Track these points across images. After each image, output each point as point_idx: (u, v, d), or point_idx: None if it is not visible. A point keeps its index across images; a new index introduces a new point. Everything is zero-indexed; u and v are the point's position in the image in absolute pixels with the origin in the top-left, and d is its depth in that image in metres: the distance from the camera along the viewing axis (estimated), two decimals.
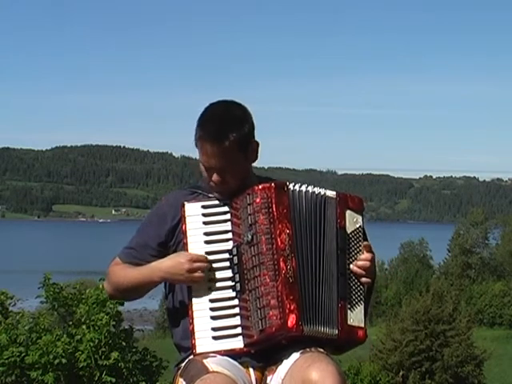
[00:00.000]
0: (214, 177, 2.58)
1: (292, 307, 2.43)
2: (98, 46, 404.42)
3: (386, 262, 54.90)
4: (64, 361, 6.35)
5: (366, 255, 2.64)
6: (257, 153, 2.65)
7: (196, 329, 2.51)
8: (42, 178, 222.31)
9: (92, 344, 6.51)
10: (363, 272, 2.61)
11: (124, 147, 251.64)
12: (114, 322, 6.77)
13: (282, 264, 2.45)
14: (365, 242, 2.66)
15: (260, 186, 2.52)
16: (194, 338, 2.51)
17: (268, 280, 2.45)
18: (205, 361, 2.46)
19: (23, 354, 6.40)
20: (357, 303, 2.61)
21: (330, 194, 2.63)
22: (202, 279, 2.52)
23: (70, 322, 6.84)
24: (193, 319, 2.52)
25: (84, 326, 6.64)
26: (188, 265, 2.50)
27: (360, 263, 2.62)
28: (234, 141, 2.55)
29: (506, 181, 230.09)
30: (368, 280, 2.63)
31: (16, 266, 68.71)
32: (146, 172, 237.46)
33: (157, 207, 2.74)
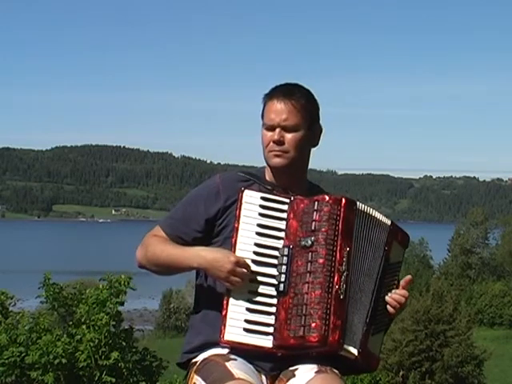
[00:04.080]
0: (276, 134, 2.55)
1: (337, 323, 2.42)
2: (98, 46, 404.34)
3: None
4: (64, 361, 6.35)
5: (404, 292, 2.64)
6: (319, 137, 2.65)
7: (229, 316, 2.45)
8: (42, 178, 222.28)
9: (92, 344, 6.50)
10: (397, 305, 2.61)
11: (124, 147, 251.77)
12: (114, 322, 6.76)
13: (336, 279, 2.44)
14: (408, 276, 2.67)
15: (332, 197, 2.50)
16: (225, 325, 2.44)
17: (320, 291, 2.42)
18: (227, 364, 2.40)
19: (23, 354, 6.39)
20: (379, 331, 2.62)
21: (386, 220, 2.62)
22: (238, 284, 2.45)
23: (70, 322, 6.83)
24: (228, 305, 2.46)
25: (84, 326, 6.63)
26: (232, 266, 2.43)
27: (397, 297, 2.61)
28: (302, 101, 2.56)
29: (506, 181, 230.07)
30: (395, 313, 2.63)
31: (16, 265, 68.71)
32: (146, 172, 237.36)
33: (210, 184, 2.64)
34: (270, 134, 2.57)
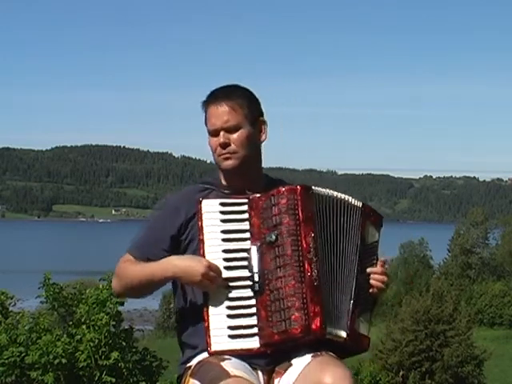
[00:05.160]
0: (221, 138, 2.56)
1: (316, 310, 2.43)
2: (98, 46, 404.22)
3: (386, 262, 54.84)
4: (64, 361, 6.34)
5: (383, 269, 2.67)
6: (265, 130, 2.65)
7: (212, 326, 2.47)
8: (42, 178, 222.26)
9: (92, 344, 6.50)
10: (380, 285, 2.65)
11: (124, 147, 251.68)
12: (114, 322, 6.75)
13: (307, 266, 2.45)
14: (382, 257, 2.70)
15: (286, 188, 2.51)
16: (210, 336, 2.47)
17: (293, 282, 2.44)
18: (222, 364, 2.41)
19: (23, 354, 6.38)
20: (365, 312, 2.64)
21: (356, 202, 2.64)
22: (211, 288, 2.48)
23: (70, 322, 6.82)
24: (208, 316, 2.48)
25: (84, 326, 6.63)
26: (205, 269, 2.45)
27: (377, 277, 2.65)
28: (241, 98, 2.57)
29: (506, 181, 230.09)
30: (378, 293, 2.66)
31: (16, 265, 68.67)
32: (146, 172, 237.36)
33: (168, 201, 2.68)
34: (215, 139, 2.58)
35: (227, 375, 2.36)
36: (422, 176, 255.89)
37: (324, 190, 2.57)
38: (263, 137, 2.65)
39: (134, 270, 2.58)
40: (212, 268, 2.47)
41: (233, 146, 2.57)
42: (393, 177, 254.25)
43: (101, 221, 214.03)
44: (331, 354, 2.50)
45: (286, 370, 2.49)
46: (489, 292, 46.76)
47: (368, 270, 2.65)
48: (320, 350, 2.49)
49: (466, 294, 46.55)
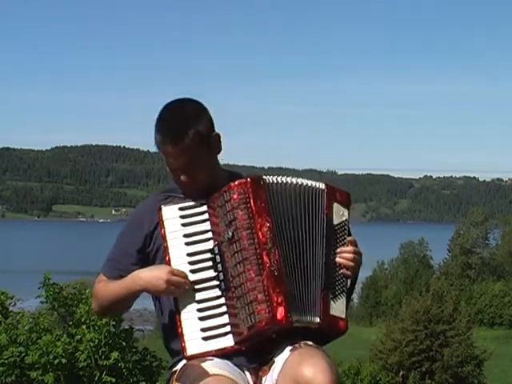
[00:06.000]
0: (182, 177, 2.56)
1: (279, 300, 2.43)
2: (99, 46, 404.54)
3: (386, 262, 54.92)
4: (64, 361, 6.35)
5: (350, 248, 2.64)
6: (220, 144, 2.62)
7: (185, 331, 2.49)
8: (42, 178, 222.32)
9: (92, 344, 6.50)
10: (349, 263, 2.62)
11: (124, 147, 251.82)
12: (114, 322, 6.76)
13: (265, 257, 2.45)
14: (350, 237, 2.67)
15: (236, 182, 2.51)
16: (184, 341, 2.49)
17: (253, 275, 2.44)
18: (203, 364, 2.44)
19: (23, 354, 6.39)
20: (339, 294, 2.62)
21: (319, 185, 2.63)
22: (178, 293, 2.50)
23: (70, 322, 6.83)
24: (180, 322, 2.50)
25: (84, 326, 6.63)
26: (167, 276, 2.48)
27: (346, 255, 2.62)
28: (193, 137, 2.51)
29: (506, 181, 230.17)
30: (350, 273, 2.64)
31: (16, 265, 68.74)
32: (146, 172, 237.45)
33: (132, 215, 2.75)
34: (175, 175, 2.58)
35: (207, 374, 2.38)
36: (421, 176, 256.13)
37: (278, 177, 2.56)
38: (218, 149, 2.62)
39: (106, 289, 2.65)
40: (175, 273, 2.49)
41: (195, 183, 2.56)
42: (393, 177, 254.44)
43: (101, 221, 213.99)
44: (309, 343, 2.49)
45: (270, 368, 2.50)
46: (489, 292, 46.81)
47: (338, 250, 2.63)
48: (298, 341, 2.49)
49: (466, 293, 46.60)
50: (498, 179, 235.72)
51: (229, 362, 2.49)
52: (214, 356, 2.48)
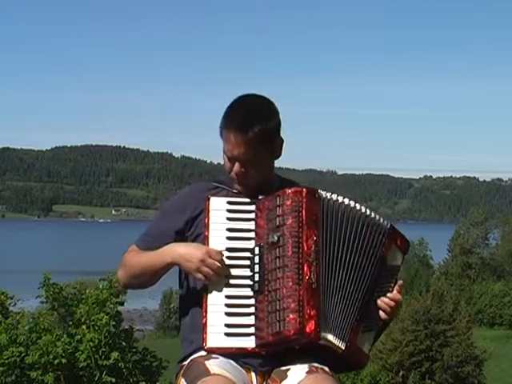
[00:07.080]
0: (236, 168, 2.54)
1: (312, 313, 2.40)
2: (99, 46, 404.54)
3: None
4: (64, 361, 6.35)
5: (396, 295, 2.62)
6: (281, 149, 2.62)
7: (209, 323, 2.47)
8: (42, 178, 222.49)
9: (92, 344, 6.50)
10: (387, 308, 2.59)
11: (124, 147, 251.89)
12: (114, 322, 6.77)
13: (306, 269, 2.42)
14: (400, 281, 2.64)
15: (292, 190, 2.49)
16: (206, 332, 2.47)
17: (291, 283, 2.41)
18: (207, 362, 2.42)
19: (23, 354, 6.39)
20: (370, 331, 2.60)
21: (385, 222, 2.60)
22: (210, 276, 2.47)
23: (70, 322, 6.83)
24: (206, 313, 2.48)
25: (84, 326, 6.64)
26: (203, 256, 2.45)
27: (386, 300, 2.59)
28: (258, 133, 2.51)
29: (506, 181, 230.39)
30: (387, 318, 2.61)
31: (16, 265, 68.68)
32: (146, 172, 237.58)
33: (178, 197, 2.70)
34: (229, 164, 2.57)
35: (207, 373, 2.38)
36: (422, 176, 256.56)
37: (334, 195, 2.54)
38: (278, 154, 2.62)
39: (138, 257, 2.61)
40: (211, 255, 2.47)
41: (248, 178, 2.56)
42: (393, 177, 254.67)
43: (101, 221, 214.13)
44: (326, 369, 2.47)
45: (281, 381, 2.47)
46: (489, 292, 46.77)
47: (384, 290, 2.60)
48: (317, 360, 2.47)
49: (466, 294, 46.56)
50: (498, 179, 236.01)
51: (233, 362, 2.47)
52: (231, 354, 2.47)
